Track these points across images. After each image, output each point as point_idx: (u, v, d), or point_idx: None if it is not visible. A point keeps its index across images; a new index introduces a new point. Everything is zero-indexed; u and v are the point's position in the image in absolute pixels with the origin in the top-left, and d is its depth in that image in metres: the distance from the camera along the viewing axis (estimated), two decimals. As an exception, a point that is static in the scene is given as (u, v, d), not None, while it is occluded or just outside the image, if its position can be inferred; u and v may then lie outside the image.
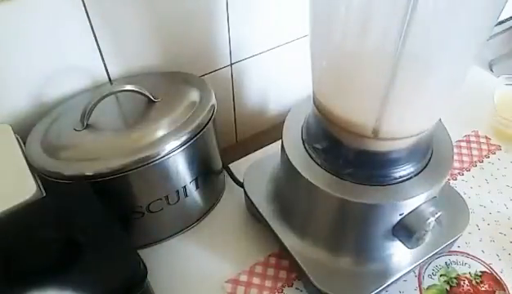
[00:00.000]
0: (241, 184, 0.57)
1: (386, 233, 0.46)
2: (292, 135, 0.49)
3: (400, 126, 0.41)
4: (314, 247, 0.49)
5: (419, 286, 0.50)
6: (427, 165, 0.45)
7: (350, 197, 0.43)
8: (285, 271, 0.54)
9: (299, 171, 0.45)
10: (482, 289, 0.51)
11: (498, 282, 0.50)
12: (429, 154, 0.46)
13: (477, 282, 0.51)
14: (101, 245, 0.39)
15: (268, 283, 0.53)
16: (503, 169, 0.65)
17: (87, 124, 0.48)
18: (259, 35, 0.64)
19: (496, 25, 0.40)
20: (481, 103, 0.74)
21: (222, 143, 0.60)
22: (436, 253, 0.50)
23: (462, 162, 0.67)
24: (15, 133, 0.48)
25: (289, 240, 0.50)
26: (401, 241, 0.46)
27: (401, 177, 0.44)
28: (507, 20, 1.01)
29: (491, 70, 1.04)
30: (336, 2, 0.36)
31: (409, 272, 0.49)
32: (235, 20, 0.59)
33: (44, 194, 0.42)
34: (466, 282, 0.51)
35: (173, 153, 0.47)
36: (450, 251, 0.54)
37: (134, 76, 0.56)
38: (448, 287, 0.51)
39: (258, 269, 0.54)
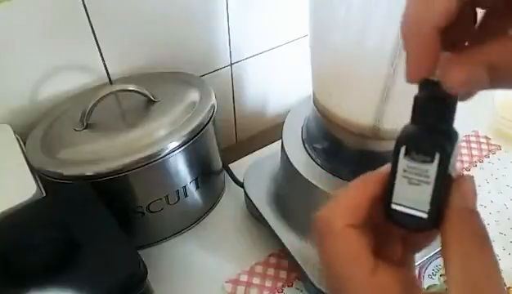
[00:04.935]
0: (241, 184, 0.57)
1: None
2: (292, 135, 0.49)
3: (400, 125, 0.41)
4: (314, 247, 0.49)
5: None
6: (427, 165, 0.45)
7: (350, 197, 0.42)
8: (285, 271, 0.54)
9: (299, 171, 0.45)
10: (482, 289, 0.51)
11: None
12: (429, 154, 0.46)
13: (477, 282, 0.51)
14: (101, 245, 0.39)
15: (268, 283, 0.53)
16: (503, 169, 0.65)
17: (87, 124, 0.48)
18: (259, 35, 0.64)
19: (496, 25, 0.40)
20: (481, 103, 0.73)
21: (222, 143, 0.60)
22: (436, 253, 0.50)
23: (462, 162, 0.66)
24: (15, 133, 0.48)
25: (289, 240, 0.50)
26: (401, 241, 0.46)
27: (401, 177, 0.44)
28: (507, 19, 1.01)
29: (491, 70, 1.04)
30: (336, 3, 0.36)
31: (409, 272, 0.49)
32: (235, 20, 0.59)
33: (44, 194, 0.42)
34: (466, 282, 0.51)
35: (173, 153, 0.47)
36: (450, 251, 0.54)
37: (134, 76, 0.56)
38: (448, 287, 0.51)
39: (258, 269, 0.54)
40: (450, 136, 0.22)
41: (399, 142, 0.23)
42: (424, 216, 0.23)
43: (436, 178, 0.22)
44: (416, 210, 0.23)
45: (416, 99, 0.22)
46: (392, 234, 0.25)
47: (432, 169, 0.22)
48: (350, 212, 0.23)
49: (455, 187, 0.22)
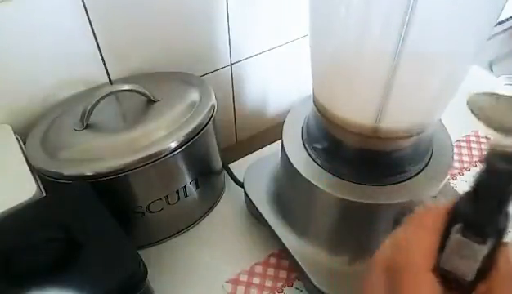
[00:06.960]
0: (241, 184, 0.57)
1: (386, 233, 0.45)
2: (292, 135, 0.49)
3: (400, 125, 0.41)
4: (314, 247, 0.49)
5: (420, 286, 0.50)
6: (427, 165, 0.45)
7: (350, 197, 0.43)
8: (285, 271, 0.54)
9: (299, 171, 0.45)
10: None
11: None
12: (429, 154, 0.46)
13: (477, 282, 0.51)
14: (101, 245, 0.39)
15: (268, 283, 0.53)
16: (503, 169, 0.65)
17: (87, 124, 0.48)
18: (259, 35, 0.64)
19: (496, 25, 0.40)
20: (481, 103, 0.74)
21: (222, 143, 0.60)
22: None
23: (462, 162, 0.66)
24: (15, 133, 0.48)
25: (289, 240, 0.50)
26: (401, 241, 0.46)
27: (401, 177, 0.44)
28: (507, 19, 1.01)
29: (491, 70, 1.04)
30: (336, 2, 0.36)
31: (409, 272, 0.49)
32: (235, 20, 0.59)
33: (44, 194, 0.42)
34: (466, 282, 0.51)
35: (173, 153, 0.47)
36: (450, 251, 0.54)
37: (134, 76, 0.56)
38: (448, 287, 0.51)
39: (258, 269, 0.54)
40: (507, 219, 0.22)
41: (457, 217, 0.23)
42: (468, 280, 0.24)
43: (485, 257, 0.22)
44: (461, 277, 0.24)
45: (482, 176, 0.21)
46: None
47: (483, 249, 0.22)
48: (428, 257, 0.24)
49: (501, 250, 0.23)
